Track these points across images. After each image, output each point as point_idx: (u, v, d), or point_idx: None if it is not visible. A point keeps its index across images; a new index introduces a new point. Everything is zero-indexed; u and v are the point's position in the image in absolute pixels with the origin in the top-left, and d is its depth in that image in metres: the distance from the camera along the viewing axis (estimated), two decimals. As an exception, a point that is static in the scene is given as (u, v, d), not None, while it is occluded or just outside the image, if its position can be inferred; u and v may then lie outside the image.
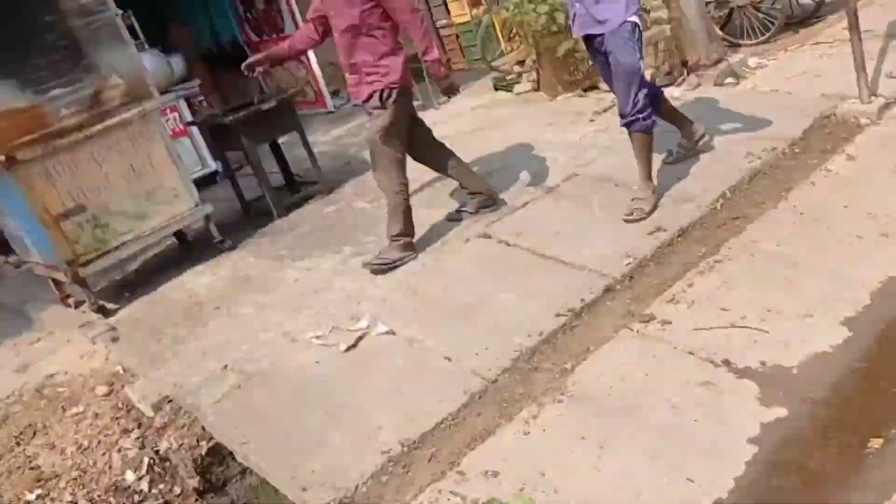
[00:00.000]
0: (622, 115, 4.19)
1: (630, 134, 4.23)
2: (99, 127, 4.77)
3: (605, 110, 6.11)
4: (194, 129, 7.05)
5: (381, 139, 4.24)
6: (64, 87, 4.66)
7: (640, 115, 4.13)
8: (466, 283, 4.03)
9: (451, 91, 4.43)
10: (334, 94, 9.55)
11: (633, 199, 4.28)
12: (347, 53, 4.20)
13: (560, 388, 3.17)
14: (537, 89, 7.12)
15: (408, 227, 4.41)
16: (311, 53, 8.70)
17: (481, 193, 4.72)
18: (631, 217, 4.20)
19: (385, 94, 4.17)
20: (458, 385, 3.25)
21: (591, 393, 3.11)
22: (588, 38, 4.18)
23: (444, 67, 4.33)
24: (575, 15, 4.15)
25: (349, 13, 4.09)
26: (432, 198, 5.27)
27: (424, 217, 4.79)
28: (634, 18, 4.00)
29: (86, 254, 4.82)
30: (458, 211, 4.79)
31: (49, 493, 3.35)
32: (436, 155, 4.64)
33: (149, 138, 5.01)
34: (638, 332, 3.41)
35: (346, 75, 4.31)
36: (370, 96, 4.20)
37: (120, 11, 4.92)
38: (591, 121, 5.95)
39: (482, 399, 3.19)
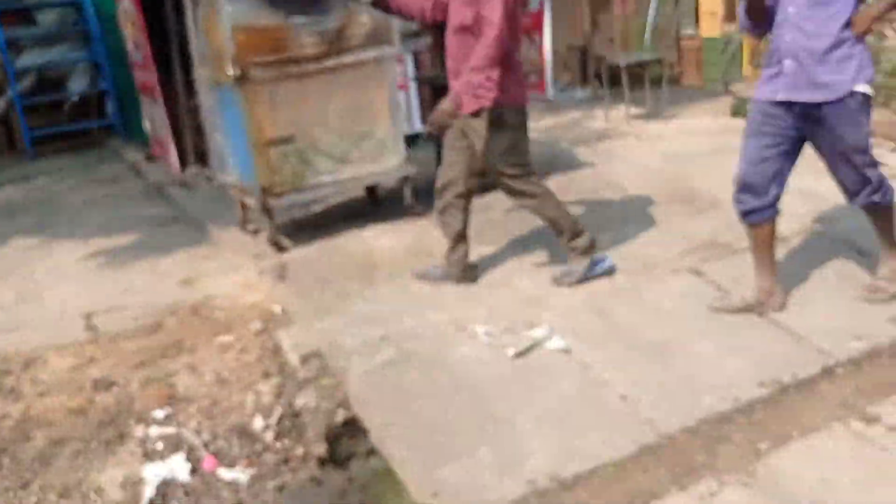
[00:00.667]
0: (852, 197, 3.50)
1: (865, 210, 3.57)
2: (335, 62, 4.72)
3: None
4: (411, 86, 6.95)
5: (498, 160, 3.86)
6: (311, 14, 4.61)
7: (876, 193, 3.43)
8: (662, 320, 3.60)
9: (434, 127, 3.85)
10: (568, 85, 9.25)
11: (875, 275, 3.67)
12: (455, 58, 3.79)
13: (748, 470, 2.70)
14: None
15: (576, 225, 4.01)
16: (546, 33, 8.38)
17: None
18: (872, 295, 3.60)
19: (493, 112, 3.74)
20: (630, 432, 2.86)
21: (785, 487, 2.62)
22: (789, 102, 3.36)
23: (459, 103, 3.72)
24: (778, 66, 3.35)
25: (464, 12, 3.67)
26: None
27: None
28: (866, 88, 3.25)
29: (282, 185, 4.80)
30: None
31: (177, 415, 3.28)
32: None
33: (378, 84, 4.91)
34: (855, 430, 2.86)
35: (450, 81, 3.86)
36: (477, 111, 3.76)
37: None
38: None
39: (654, 455, 2.78)
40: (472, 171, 3.98)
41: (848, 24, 3.20)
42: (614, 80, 8.01)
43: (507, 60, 3.70)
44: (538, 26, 8.44)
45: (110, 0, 7.89)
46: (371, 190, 5.55)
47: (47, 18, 9.04)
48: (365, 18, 4.77)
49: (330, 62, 4.73)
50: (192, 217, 5.86)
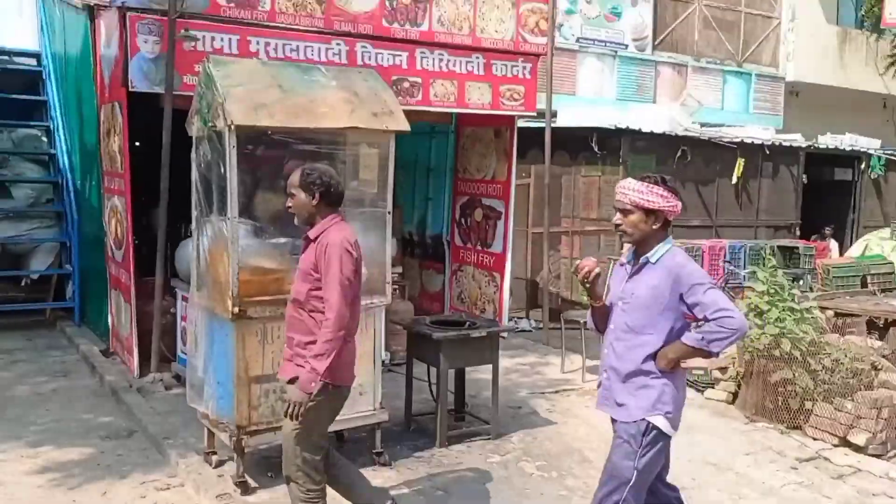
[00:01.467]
0: None
1: None
2: (326, 308, 4.83)
3: (808, 459, 5.65)
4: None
5: (295, 438, 3.79)
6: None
7: None
8: None
9: (290, 414, 3.74)
10: (517, 318, 9.60)
11: None
12: (288, 325, 3.95)
13: None
14: (731, 402, 6.77)
15: None
16: (507, 274, 8.82)
17: None
18: None
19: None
20: None
21: None
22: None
23: (308, 390, 3.66)
24: (601, 375, 3.63)
25: (297, 285, 3.86)
26: None
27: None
28: (659, 421, 3.42)
29: (258, 423, 4.76)
30: None
31: None
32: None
33: (364, 332, 5.01)
34: None
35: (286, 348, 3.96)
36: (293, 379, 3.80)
37: (389, 209, 5.06)
38: (794, 468, 5.50)
39: None
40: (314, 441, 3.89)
41: (653, 356, 3.45)
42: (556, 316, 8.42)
43: (347, 338, 3.78)
44: (500, 267, 8.93)
45: (93, 184, 8.04)
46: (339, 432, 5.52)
47: (22, 193, 9.10)
48: (362, 269, 4.97)
49: (323, 308, 4.85)
50: (150, 433, 5.69)
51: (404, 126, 4.93)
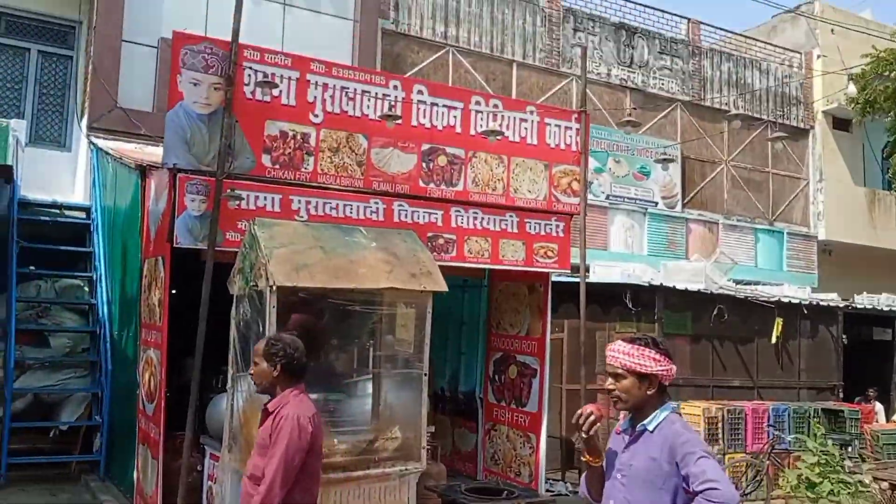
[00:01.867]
0: None
1: None
2: (359, 473, 4.74)
3: None
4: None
5: None
6: (349, 424, 4.73)
7: None
8: None
9: None
10: (552, 480, 9.27)
11: None
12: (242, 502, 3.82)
13: None
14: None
15: None
16: (542, 434, 8.59)
17: None
18: None
19: None
20: None
21: None
22: None
23: None
24: None
25: (256, 461, 3.75)
26: None
27: None
28: None
29: None
30: None
31: None
32: None
33: (397, 499, 4.87)
34: None
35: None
36: None
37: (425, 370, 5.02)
38: None
39: None
40: None
41: None
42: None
43: None
44: (535, 427, 8.72)
45: (130, 335, 8.12)
46: None
47: (60, 342, 9.22)
48: (396, 432, 4.89)
49: (355, 473, 4.74)
50: None
51: (441, 286, 4.99)
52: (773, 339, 11.95)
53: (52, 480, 8.48)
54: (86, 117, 10.33)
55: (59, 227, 9.83)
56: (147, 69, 10.58)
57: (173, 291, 7.82)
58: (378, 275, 4.74)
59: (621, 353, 3.31)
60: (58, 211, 9.99)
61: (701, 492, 3.06)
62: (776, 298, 12.13)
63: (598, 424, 3.32)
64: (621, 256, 14.11)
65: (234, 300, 4.90)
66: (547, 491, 8.91)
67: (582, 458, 3.50)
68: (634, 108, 14.89)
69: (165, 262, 6.80)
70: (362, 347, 4.89)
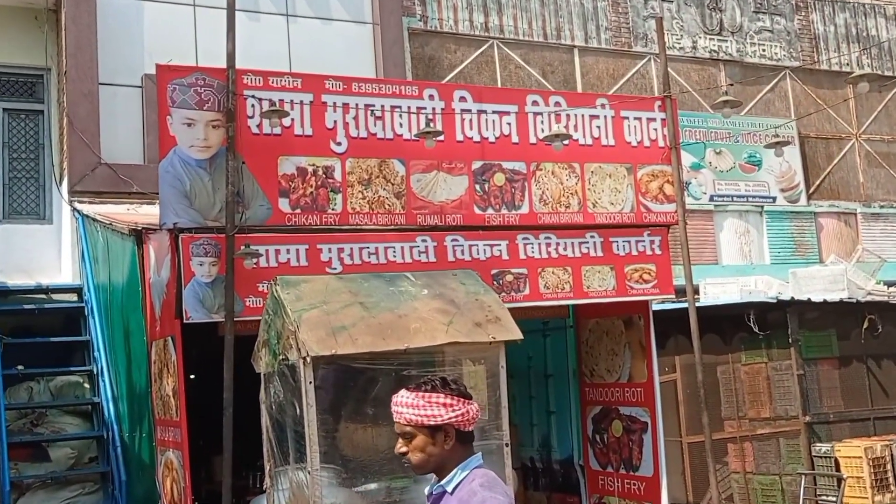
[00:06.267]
0: None
1: None
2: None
3: None
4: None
5: None
6: None
7: None
8: None
9: None
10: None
11: None
12: None
13: None
14: None
15: None
16: (663, 490, 8.43)
17: None
18: None
19: None
20: None
21: None
22: None
23: None
24: None
25: None
26: None
27: None
28: None
29: None
30: None
31: None
32: None
33: None
34: None
35: None
36: None
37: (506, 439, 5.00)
38: None
39: None
40: None
41: None
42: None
43: None
44: (653, 495, 8.58)
45: (144, 436, 8.26)
46: None
47: (62, 453, 9.39)
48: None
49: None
50: None
51: (515, 334, 4.98)
52: (947, 351, 11.59)
53: None
54: (66, 180, 10.63)
55: (47, 316, 10.09)
56: (131, 114, 10.88)
57: (191, 377, 7.97)
58: (434, 329, 4.75)
59: (404, 405, 3.24)
60: (44, 296, 10.25)
61: None
62: (944, 298, 11.79)
63: None
64: (738, 270, 13.89)
65: (262, 379, 4.96)
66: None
67: None
68: (731, 84, 14.75)
69: (176, 342, 6.93)
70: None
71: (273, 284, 4.84)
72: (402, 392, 3.33)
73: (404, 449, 3.31)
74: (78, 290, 10.27)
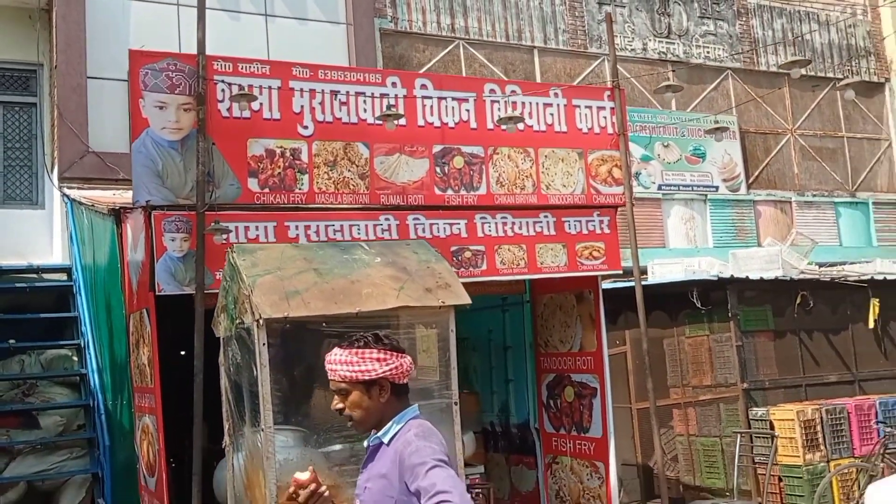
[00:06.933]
0: None
1: None
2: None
3: None
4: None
5: None
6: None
7: None
8: None
9: None
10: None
11: None
12: None
13: None
14: None
15: None
16: (611, 450, 8.18)
17: None
18: None
19: None
20: None
21: None
22: None
23: None
24: None
25: None
26: None
27: None
28: None
29: None
30: None
31: None
32: None
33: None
34: None
35: None
36: None
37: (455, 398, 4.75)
38: None
39: None
40: None
41: None
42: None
43: None
44: (602, 454, 8.36)
45: (124, 404, 7.97)
46: None
47: (51, 421, 9.09)
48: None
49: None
50: None
51: (464, 299, 4.72)
52: (871, 324, 11.43)
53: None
54: (56, 168, 10.30)
55: (38, 294, 9.77)
56: (117, 105, 10.47)
57: (181, 353, 7.67)
58: (386, 294, 4.49)
59: (339, 362, 3.05)
60: (35, 276, 9.92)
61: None
62: (868, 277, 11.63)
63: (322, 489, 3.06)
64: (684, 252, 13.68)
65: (222, 343, 4.69)
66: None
67: None
68: (674, 74, 14.55)
69: (150, 314, 6.61)
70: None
71: (230, 252, 4.57)
72: (336, 350, 3.11)
73: (341, 405, 3.11)
74: (67, 270, 9.94)
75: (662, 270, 11.55)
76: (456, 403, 4.70)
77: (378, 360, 3.05)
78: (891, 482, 6.77)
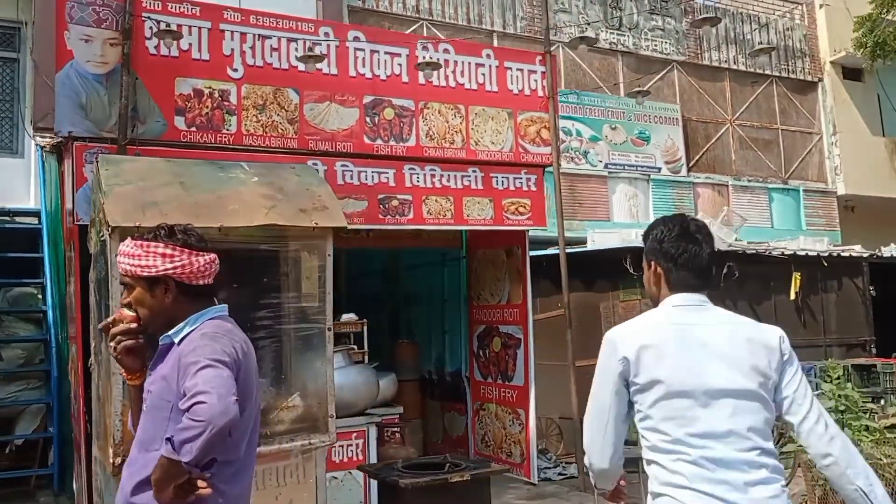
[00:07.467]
0: None
1: None
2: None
3: None
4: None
5: None
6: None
7: None
8: None
9: None
10: (542, 452, 8.25)
11: None
12: None
13: None
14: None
15: None
16: (531, 398, 7.50)
17: None
18: None
19: None
20: None
21: None
22: None
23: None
24: None
25: None
26: None
27: None
28: None
29: None
30: None
31: None
32: None
33: (300, 482, 3.85)
34: None
35: None
36: None
37: (329, 324, 4.01)
38: None
39: None
40: None
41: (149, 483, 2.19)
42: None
43: None
44: (523, 402, 7.65)
45: (65, 338, 7.31)
46: None
47: (13, 353, 8.38)
48: (296, 399, 3.87)
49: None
50: None
51: (339, 221, 3.99)
52: (793, 296, 10.71)
53: (11, 499, 7.60)
54: (31, 118, 9.53)
55: (10, 235, 9.01)
56: (93, 62, 9.75)
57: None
58: (254, 211, 3.77)
59: (124, 254, 2.39)
60: (8, 218, 9.17)
61: (187, 409, 2.11)
62: (791, 252, 10.89)
63: (125, 328, 2.41)
64: (626, 226, 12.93)
65: (92, 259, 3.96)
66: (542, 475, 7.83)
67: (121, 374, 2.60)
68: (632, 74, 13.79)
69: (74, 245, 5.88)
70: (252, 304, 3.90)
71: (96, 163, 3.83)
72: (126, 241, 2.40)
73: (128, 300, 2.40)
74: (38, 214, 9.18)
75: (602, 238, 10.82)
76: (330, 329, 3.98)
77: (163, 255, 2.36)
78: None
